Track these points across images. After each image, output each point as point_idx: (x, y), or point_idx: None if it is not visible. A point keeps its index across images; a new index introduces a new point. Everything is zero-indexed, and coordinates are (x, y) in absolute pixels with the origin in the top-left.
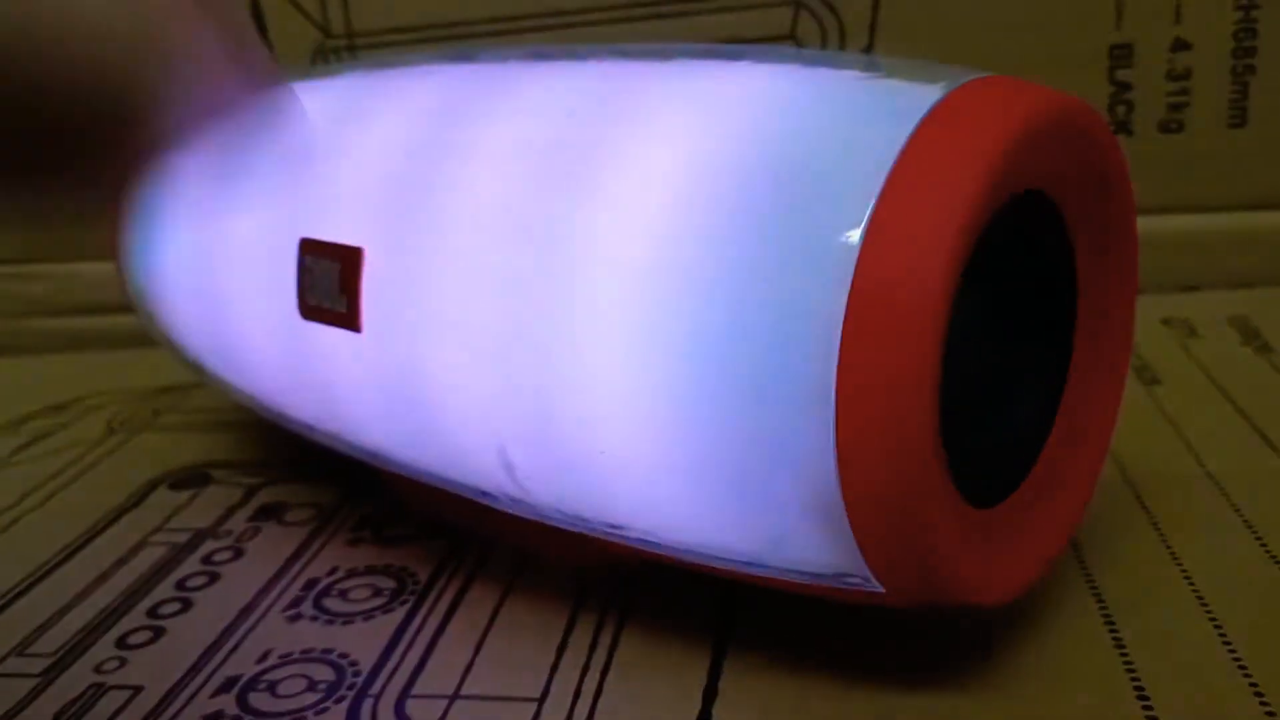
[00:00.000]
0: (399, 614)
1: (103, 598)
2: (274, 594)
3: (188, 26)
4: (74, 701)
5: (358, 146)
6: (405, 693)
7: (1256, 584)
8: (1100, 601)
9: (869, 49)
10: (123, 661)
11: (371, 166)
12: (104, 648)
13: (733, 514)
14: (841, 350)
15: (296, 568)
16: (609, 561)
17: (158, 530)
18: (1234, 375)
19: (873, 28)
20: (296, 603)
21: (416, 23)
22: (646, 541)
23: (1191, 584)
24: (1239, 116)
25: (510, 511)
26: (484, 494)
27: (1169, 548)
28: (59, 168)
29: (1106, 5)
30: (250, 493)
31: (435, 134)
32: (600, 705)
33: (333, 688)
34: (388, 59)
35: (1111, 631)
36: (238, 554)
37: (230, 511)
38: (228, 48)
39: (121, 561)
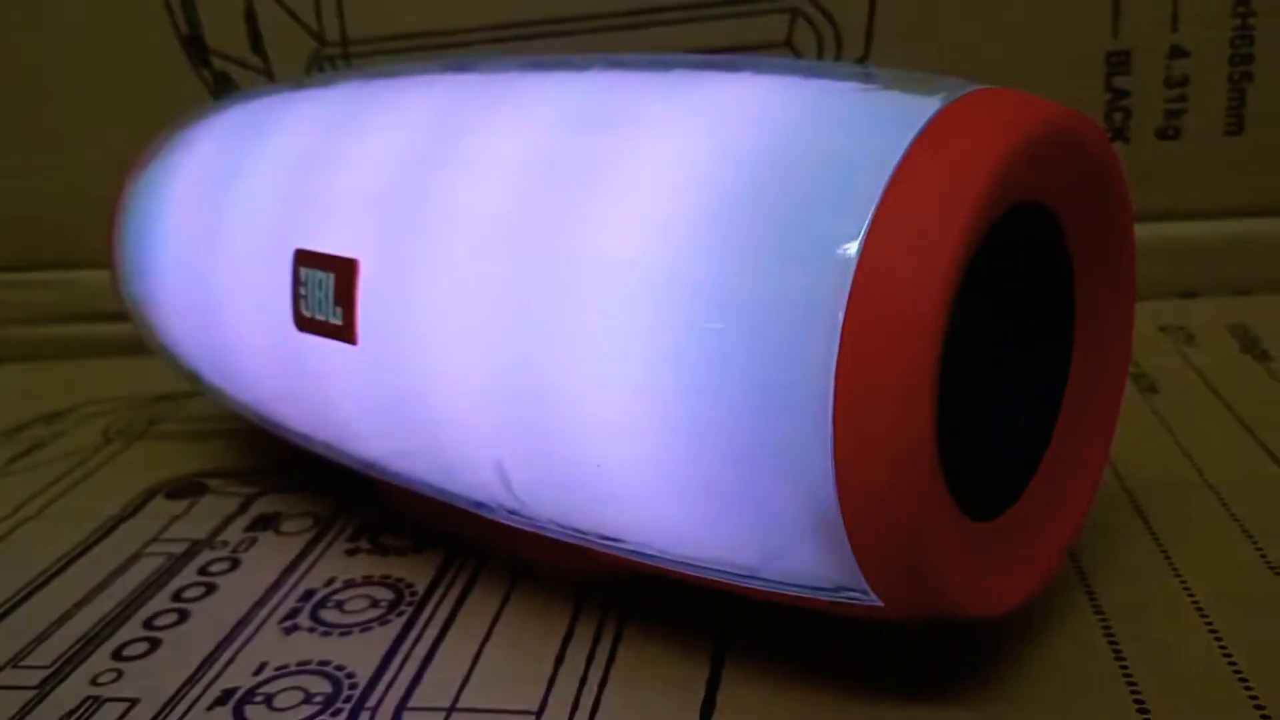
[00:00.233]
0: (396, 625)
1: (99, 608)
2: (271, 605)
3: None
4: (70, 714)
5: (353, 157)
6: (402, 705)
7: (1255, 593)
8: (1099, 611)
9: (865, 57)
10: (119, 674)
11: (367, 177)
12: (100, 659)
13: (730, 527)
14: (839, 362)
15: (293, 578)
16: (605, 573)
17: (154, 540)
18: (1233, 383)
19: (869, 35)
20: (293, 614)
21: (412, 31)
22: (643, 554)
23: (1190, 593)
24: (1236, 123)
25: (507, 523)
26: (480, 505)
27: (1167, 556)
28: None
29: (1104, 12)
30: (247, 502)
31: (431, 145)
32: (598, 718)
33: (329, 700)
34: (384, 68)
35: (1110, 641)
36: (234, 564)
37: (227, 521)
38: None
39: (118, 572)
